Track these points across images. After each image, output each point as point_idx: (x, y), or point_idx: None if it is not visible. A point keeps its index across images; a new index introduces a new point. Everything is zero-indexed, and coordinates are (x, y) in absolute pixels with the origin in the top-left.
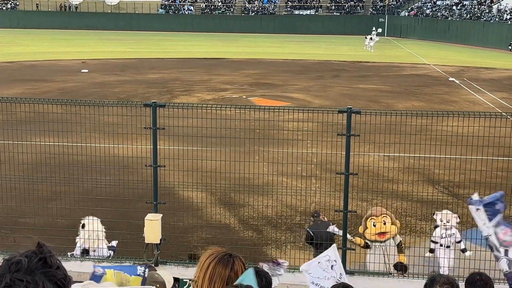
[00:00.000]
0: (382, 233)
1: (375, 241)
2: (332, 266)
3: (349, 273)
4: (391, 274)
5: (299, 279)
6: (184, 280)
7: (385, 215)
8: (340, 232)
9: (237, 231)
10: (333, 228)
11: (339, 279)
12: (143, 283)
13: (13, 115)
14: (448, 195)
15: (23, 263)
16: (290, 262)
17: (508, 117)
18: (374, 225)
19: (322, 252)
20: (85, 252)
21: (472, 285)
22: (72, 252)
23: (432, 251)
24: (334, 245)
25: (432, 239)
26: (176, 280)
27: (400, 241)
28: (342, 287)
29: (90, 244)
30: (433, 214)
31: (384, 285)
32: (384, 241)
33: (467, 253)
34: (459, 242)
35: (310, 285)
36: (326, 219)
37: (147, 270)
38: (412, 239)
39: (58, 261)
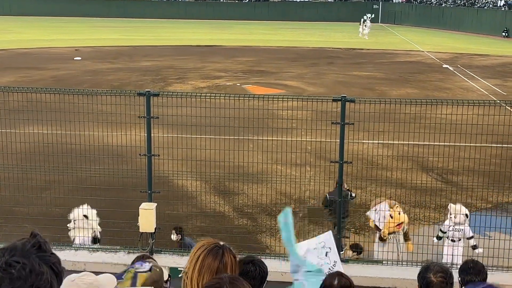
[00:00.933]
0: (400, 224)
1: (390, 232)
2: (326, 253)
3: (344, 261)
4: (382, 261)
5: None
6: (179, 268)
7: (397, 205)
8: (353, 195)
9: (231, 219)
10: (347, 193)
11: (333, 267)
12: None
13: (6, 104)
14: (442, 182)
15: (18, 248)
16: (284, 248)
17: (503, 105)
18: (392, 217)
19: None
20: (96, 240)
21: (466, 273)
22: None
23: (439, 238)
24: (330, 231)
25: (441, 227)
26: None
27: (407, 229)
28: (337, 275)
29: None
30: (448, 206)
31: (379, 273)
32: (398, 231)
33: (478, 250)
34: (470, 238)
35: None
36: (346, 187)
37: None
38: (406, 225)
39: (51, 248)
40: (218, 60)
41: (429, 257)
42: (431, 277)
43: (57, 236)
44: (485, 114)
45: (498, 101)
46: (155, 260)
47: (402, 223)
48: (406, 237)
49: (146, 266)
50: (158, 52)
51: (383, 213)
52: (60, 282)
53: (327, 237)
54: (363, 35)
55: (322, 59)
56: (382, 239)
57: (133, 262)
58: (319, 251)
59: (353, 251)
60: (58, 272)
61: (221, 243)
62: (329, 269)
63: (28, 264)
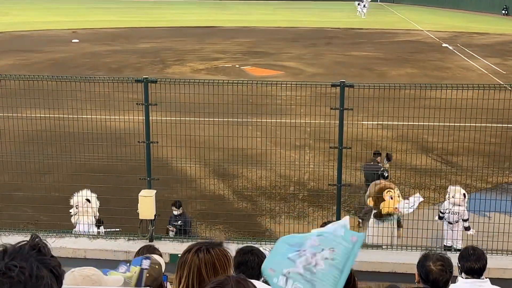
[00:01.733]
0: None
1: (388, 214)
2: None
3: None
4: (381, 246)
5: None
6: (179, 255)
7: (396, 188)
8: (386, 174)
9: (231, 203)
10: (382, 170)
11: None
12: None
13: (4, 89)
14: (441, 163)
15: (17, 251)
16: (284, 232)
17: (508, 87)
18: (391, 198)
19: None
20: (99, 222)
21: (466, 260)
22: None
23: (440, 217)
24: (347, 217)
25: (441, 209)
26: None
27: (399, 215)
28: None
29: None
30: (447, 188)
31: (379, 257)
32: (396, 214)
33: (471, 232)
34: (465, 220)
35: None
36: (384, 165)
37: (130, 267)
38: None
39: (51, 252)
40: (217, 42)
41: (428, 242)
42: (431, 266)
43: (57, 222)
44: (485, 95)
45: (502, 83)
46: (159, 250)
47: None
48: (399, 224)
49: (147, 263)
50: (155, 34)
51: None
52: (60, 285)
53: (345, 223)
54: (361, 14)
55: (321, 39)
56: (378, 216)
57: (138, 253)
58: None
59: (176, 207)
60: (58, 275)
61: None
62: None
63: (27, 268)
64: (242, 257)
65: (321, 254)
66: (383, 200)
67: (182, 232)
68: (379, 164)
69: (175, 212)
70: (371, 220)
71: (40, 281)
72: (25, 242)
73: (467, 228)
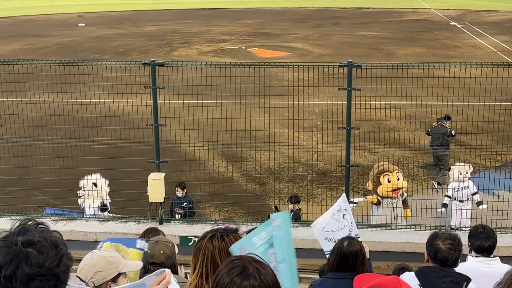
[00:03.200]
0: (397, 189)
1: (387, 197)
2: (343, 215)
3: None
4: (390, 225)
5: (303, 234)
6: (189, 237)
7: (397, 170)
8: (453, 132)
9: (240, 184)
10: (449, 131)
11: (351, 228)
12: (144, 258)
13: (13, 74)
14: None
15: (25, 229)
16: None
17: None
18: (389, 181)
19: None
20: (103, 208)
21: (475, 238)
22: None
23: (445, 205)
24: (344, 194)
25: (447, 193)
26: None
27: (406, 196)
28: (348, 239)
29: (93, 202)
30: (449, 170)
31: (387, 237)
32: (396, 197)
33: (483, 206)
34: (474, 194)
35: (322, 242)
36: (447, 126)
37: (147, 244)
38: (414, 188)
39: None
40: (223, 24)
41: (437, 221)
42: (440, 244)
43: (67, 206)
44: (494, 72)
45: (508, 62)
46: (162, 232)
47: (399, 189)
48: (405, 204)
49: (143, 243)
50: (161, 17)
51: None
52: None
53: (342, 200)
54: None
55: (327, 19)
56: (375, 203)
57: (142, 235)
58: (336, 216)
59: (291, 203)
60: (65, 245)
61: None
62: (349, 230)
63: (47, 237)
64: None
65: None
66: (380, 184)
67: (188, 214)
68: (446, 126)
69: (179, 194)
70: (372, 208)
71: (61, 248)
72: (20, 225)
73: (479, 203)
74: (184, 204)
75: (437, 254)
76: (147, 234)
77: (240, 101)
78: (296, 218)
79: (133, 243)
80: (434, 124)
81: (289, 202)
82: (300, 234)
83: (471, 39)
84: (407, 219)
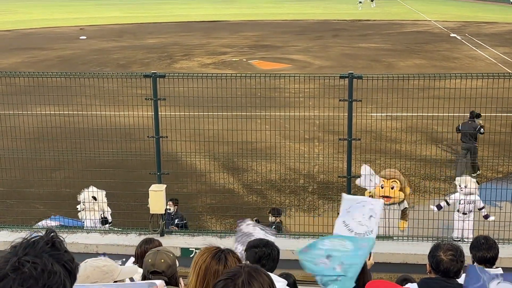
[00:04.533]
0: (387, 197)
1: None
2: (370, 216)
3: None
4: (392, 237)
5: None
6: (190, 248)
7: (395, 180)
8: (482, 130)
9: (241, 196)
10: (478, 128)
11: (369, 233)
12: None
13: (14, 87)
14: (451, 154)
15: (30, 246)
16: (294, 225)
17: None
18: (382, 187)
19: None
20: (105, 221)
21: (478, 249)
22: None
23: (439, 207)
24: (382, 201)
25: (447, 198)
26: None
27: (406, 207)
28: None
29: (94, 215)
30: (454, 180)
31: (389, 248)
32: (388, 205)
33: (490, 218)
34: (481, 208)
35: (338, 224)
36: (480, 123)
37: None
38: (416, 199)
39: (66, 246)
40: (223, 36)
41: (439, 232)
42: (441, 255)
43: (68, 218)
44: (494, 84)
45: (508, 73)
46: (158, 241)
47: (390, 197)
48: (403, 215)
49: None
50: (162, 29)
51: (368, 177)
52: (73, 280)
53: (378, 204)
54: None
55: (328, 31)
56: None
57: (138, 246)
58: (365, 210)
59: (272, 215)
60: (71, 270)
61: (222, 247)
62: (365, 233)
63: (40, 263)
64: (263, 251)
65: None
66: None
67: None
68: (475, 122)
69: (171, 209)
70: None
71: (52, 277)
72: (40, 236)
73: (486, 216)
74: (176, 221)
75: (439, 265)
76: (144, 245)
77: (241, 113)
78: (277, 230)
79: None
80: (463, 121)
81: (271, 215)
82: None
83: (471, 51)
84: (400, 230)
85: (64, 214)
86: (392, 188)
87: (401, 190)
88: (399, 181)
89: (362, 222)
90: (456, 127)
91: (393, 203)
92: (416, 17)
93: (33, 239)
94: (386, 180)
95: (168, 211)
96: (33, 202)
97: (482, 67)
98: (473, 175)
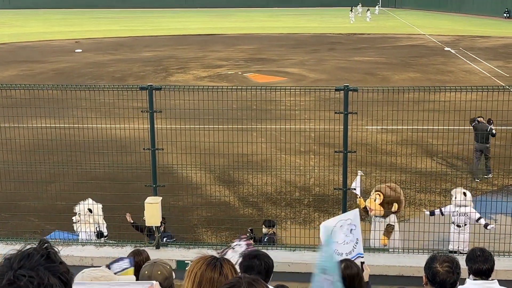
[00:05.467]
0: (369, 208)
1: (365, 210)
2: (351, 230)
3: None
4: (388, 249)
5: (302, 257)
6: (185, 261)
7: (378, 193)
8: (494, 131)
9: (236, 209)
10: (490, 129)
11: (356, 245)
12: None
13: (9, 99)
14: (446, 167)
15: (25, 259)
16: (290, 238)
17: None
18: (375, 200)
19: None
20: (100, 235)
21: (474, 261)
22: (78, 236)
23: (432, 213)
24: (357, 210)
25: (442, 208)
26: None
27: (390, 224)
28: (345, 262)
29: (89, 227)
30: (451, 191)
31: (385, 261)
32: (375, 217)
33: (491, 226)
34: (478, 219)
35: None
36: (491, 121)
37: (132, 258)
38: (411, 211)
39: (60, 258)
40: (219, 49)
41: (435, 244)
42: (437, 267)
43: (63, 231)
44: (489, 97)
45: (505, 86)
46: (146, 252)
47: (371, 209)
48: (386, 230)
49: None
50: (158, 42)
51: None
52: None
53: (354, 214)
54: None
55: (323, 45)
56: (363, 208)
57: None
58: (345, 228)
59: (265, 227)
60: (67, 281)
61: (217, 255)
62: (353, 246)
63: (36, 277)
64: (248, 262)
65: None
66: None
67: None
68: (485, 123)
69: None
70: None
71: None
72: (33, 248)
73: (486, 225)
74: (165, 239)
75: (435, 277)
76: (133, 257)
77: (237, 126)
78: (270, 241)
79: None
80: (477, 121)
81: (264, 226)
82: (281, 257)
83: (465, 64)
84: (381, 245)
85: (59, 227)
86: (375, 200)
87: (382, 204)
88: (383, 195)
89: (346, 240)
90: (471, 123)
91: (378, 216)
92: (410, 31)
93: (28, 251)
94: (375, 191)
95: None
96: (28, 215)
97: (476, 81)
98: (485, 177)
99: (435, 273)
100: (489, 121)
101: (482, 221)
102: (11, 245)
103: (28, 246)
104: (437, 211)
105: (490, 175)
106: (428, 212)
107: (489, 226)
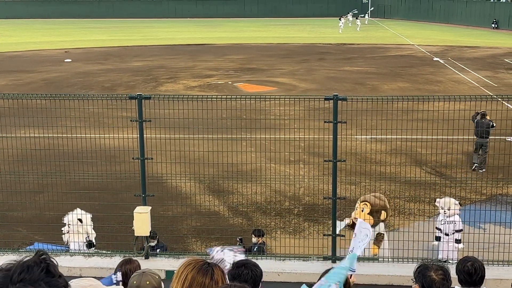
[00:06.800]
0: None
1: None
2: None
3: (339, 259)
4: (377, 258)
5: (290, 267)
6: (175, 271)
7: (365, 203)
8: (494, 125)
9: (226, 219)
10: (491, 124)
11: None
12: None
13: None
14: (435, 176)
15: (25, 272)
16: (280, 247)
17: (499, 99)
18: (362, 211)
19: None
20: (91, 245)
21: (463, 271)
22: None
23: (438, 239)
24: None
25: (437, 226)
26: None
27: (380, 233)
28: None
29: (79, 238)
30: (435, 201)
31: (375, 270)
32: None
33: (460, 245)
34: (459, 231)
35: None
36: (488, 118)
37: (118, 273)
38: (401, 220)
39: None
40: (209, 59)
41: (424, 254)
42: (433, 275)
43: (52, 241)
44: (477, 106)
45: (494, 95)
46: (137, 261)
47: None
48: (376, 240)
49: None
50: (148, 52)
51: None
52: None
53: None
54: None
55: (313, 55)
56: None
57: (118, 266)
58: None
59: (255, 236)
60: None
61: (208, 261)
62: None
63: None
64: (235, 271)
65: None
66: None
67: None
68: (487, 120)
69: (152, 243)
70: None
71: None
72: (33, 260)
73: (457, 241)
74: (158, 251)
75: (432, 285)
76: (124, 266)
77: (227, 135)
78: (260, 251)
79: (110, 281)
80: (477, 117)
81: (253, 235)
82: (271, 266)
83: (454, 74)
84: (371, 254)
85: (48, 238)
86: (362, 210)
87: (371, 213)
88: (370, 204)
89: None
90: (472, 119)
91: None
92: (400, 41)
93: (27, 263)
94: (360, 202)
95: (152, 244)
96: (16, 226)
97: (464, 90)
98: (479, 171)
99: (431, 281)
100: (484, 115)
101: (458, 235)
102: (0, 256)
103: (27, 258)
104: (437, 233)
105: (483, 170)
106: (435, 242)
107: (458, 244)
